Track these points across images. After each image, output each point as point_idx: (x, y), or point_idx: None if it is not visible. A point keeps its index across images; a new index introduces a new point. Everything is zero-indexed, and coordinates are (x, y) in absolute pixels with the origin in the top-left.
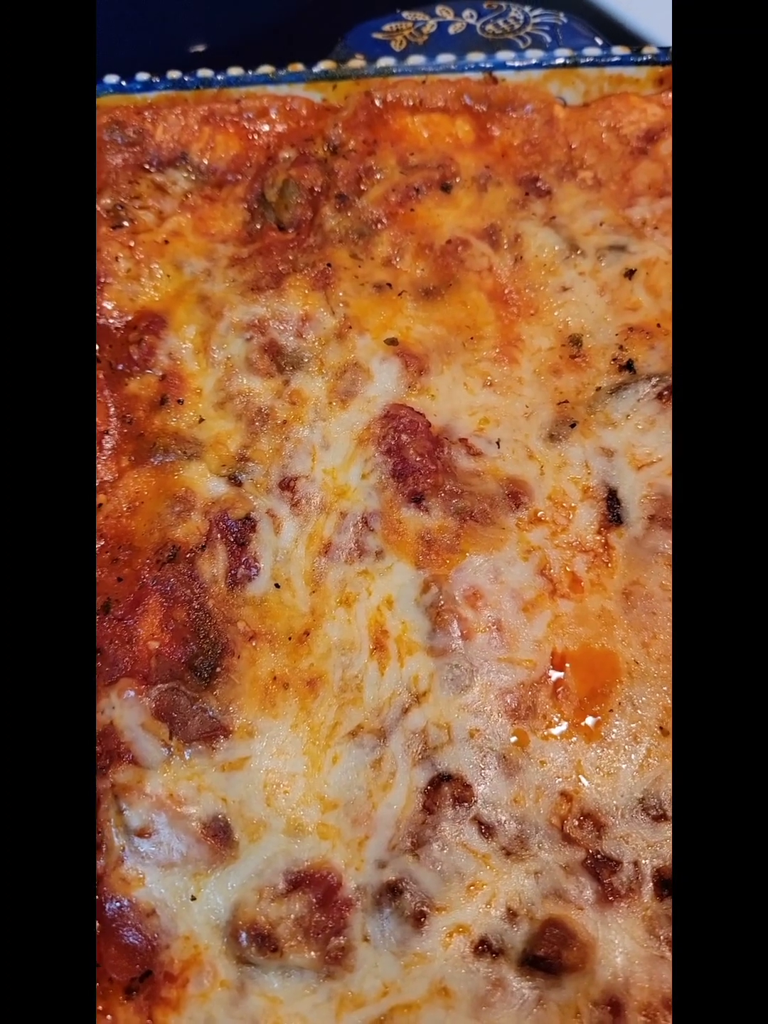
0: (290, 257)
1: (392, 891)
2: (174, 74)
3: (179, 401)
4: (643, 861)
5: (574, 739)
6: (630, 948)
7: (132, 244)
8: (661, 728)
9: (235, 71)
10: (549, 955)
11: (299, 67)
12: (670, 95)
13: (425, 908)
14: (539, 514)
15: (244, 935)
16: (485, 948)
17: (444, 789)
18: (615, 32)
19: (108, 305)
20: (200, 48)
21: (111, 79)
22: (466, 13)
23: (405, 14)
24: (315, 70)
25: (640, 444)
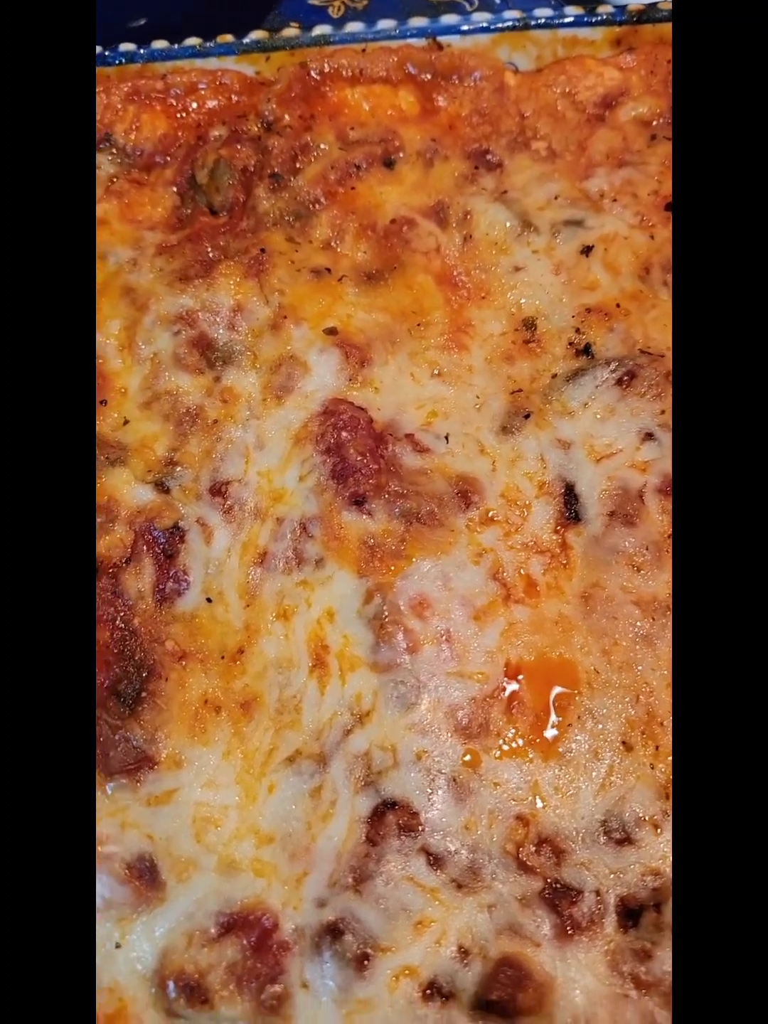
0: (222, 243)
1: (332, 932)
2: None
3: (102, 402)
4: (606, 890)
5: (530, 757)
6: (591, 986)
7: None
8: (624, 743)
9: (160, 44)
10: (503, 998)
11: (229, 38)
12: (628, 57)
13: (369, 949)
14: (491, 514)
15: (172, 985)
16: (434, 991)
17: (389, 817)
18: None
19: None
20: (140, 22)
21: None
22: None
23: None
24: (246, 41)
25: (599, 435)
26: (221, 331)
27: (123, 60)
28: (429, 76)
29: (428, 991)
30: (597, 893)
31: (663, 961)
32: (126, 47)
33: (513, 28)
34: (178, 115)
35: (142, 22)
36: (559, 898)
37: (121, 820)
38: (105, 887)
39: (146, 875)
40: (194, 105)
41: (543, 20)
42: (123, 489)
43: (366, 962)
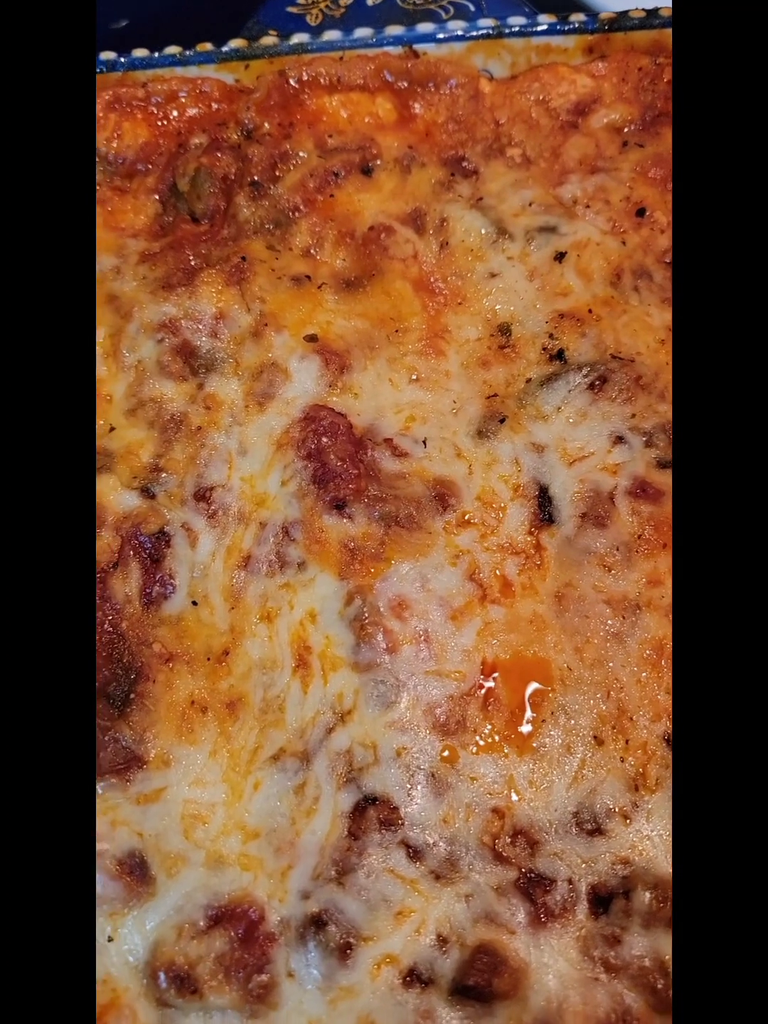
0: (203, 251)
1: (317, 923)
2: None
3: None
4: (577, 878)
5: (506, 752)
6: (564, 971)
7: None
8: (595, 737)
9: (140, 52)
10: (480, 983)
11: (208, 47)
12: (601, 65)
13: (351, 939)
14: (467, 516)
15: (163, 976)
16: (414, 978)
17: (370, 812)
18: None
19: None
20: (122, 23)
21: None
22: None
23: None
24: (225, 49)
25: (571, 438)
26: (204, 339)
27: (104, 68)
28: (406, 84)
29: (408, 978)
30: (569, 882)
31: (632, 946)
32: (106, 55)
33: (488, 36)
34: (159, 123)
35: (124, 23)
36: (533, 887)
37: (111, 818)
38: (97, 883)
39: (136, 871)
40: (175, 113)
41: (517, 28)
42: (110, 495)
43: (349, 951)
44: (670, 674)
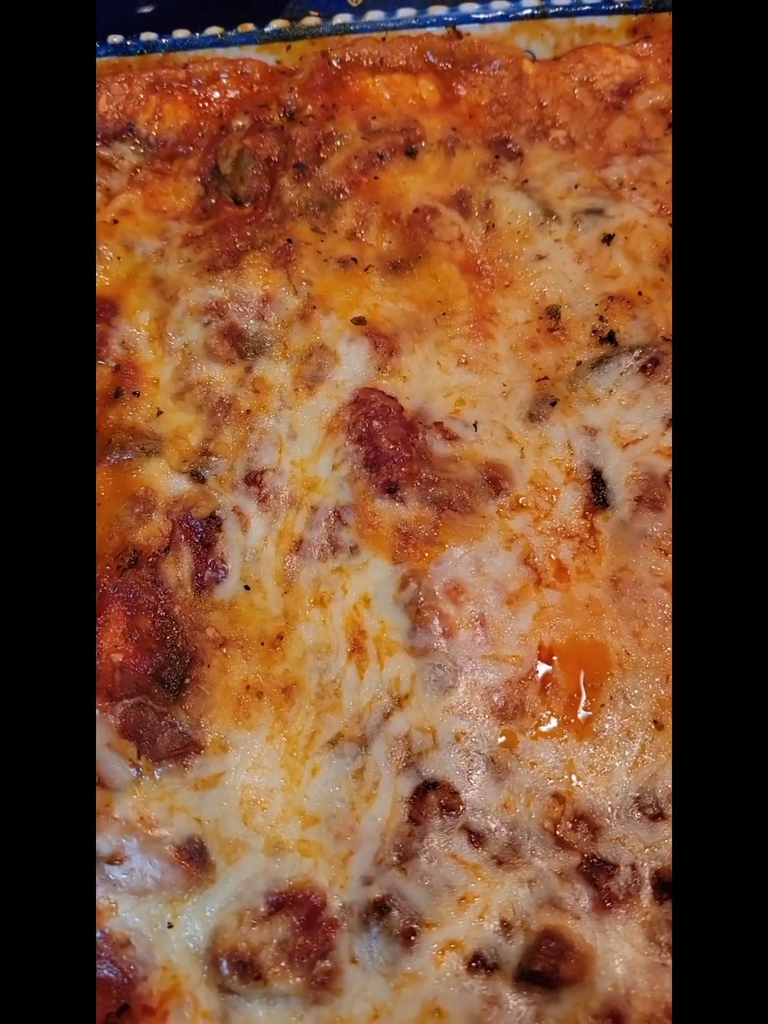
0: (248, 233)
1: (379, 909)
2: (115, 39)
3: (135, 393)
4: (641, 863)
5: (565, 737)
6: (630, 956)
7: None
8: (655, 722)
9: (181, 34)
10: (546, 969)
11: (250, 27)
12: (645, 45)
13: (415, 925)
14: (521, 500)
15: (225, 963)
16: (479, 964)
17: (430, 797)
18: None
19: None
20: (147, 9)
21: None
22: None
23: None
24: (267, 30)
25: (624, 421)
26: (251, 321)
27: (144, 50)
28: (449, 65)
29: (473, 964)
30: (632, 867)
31: None
32: (147, 36)
33: (531, 16)
34: (200, 105)
35: (149, 9)
36: (596, 872)
37: (169, 804)
38: (156, 869)
39: (196, 857)
40: (216, 95)
41: (561, 8)
42: (159, 479)
43: (412, 937)
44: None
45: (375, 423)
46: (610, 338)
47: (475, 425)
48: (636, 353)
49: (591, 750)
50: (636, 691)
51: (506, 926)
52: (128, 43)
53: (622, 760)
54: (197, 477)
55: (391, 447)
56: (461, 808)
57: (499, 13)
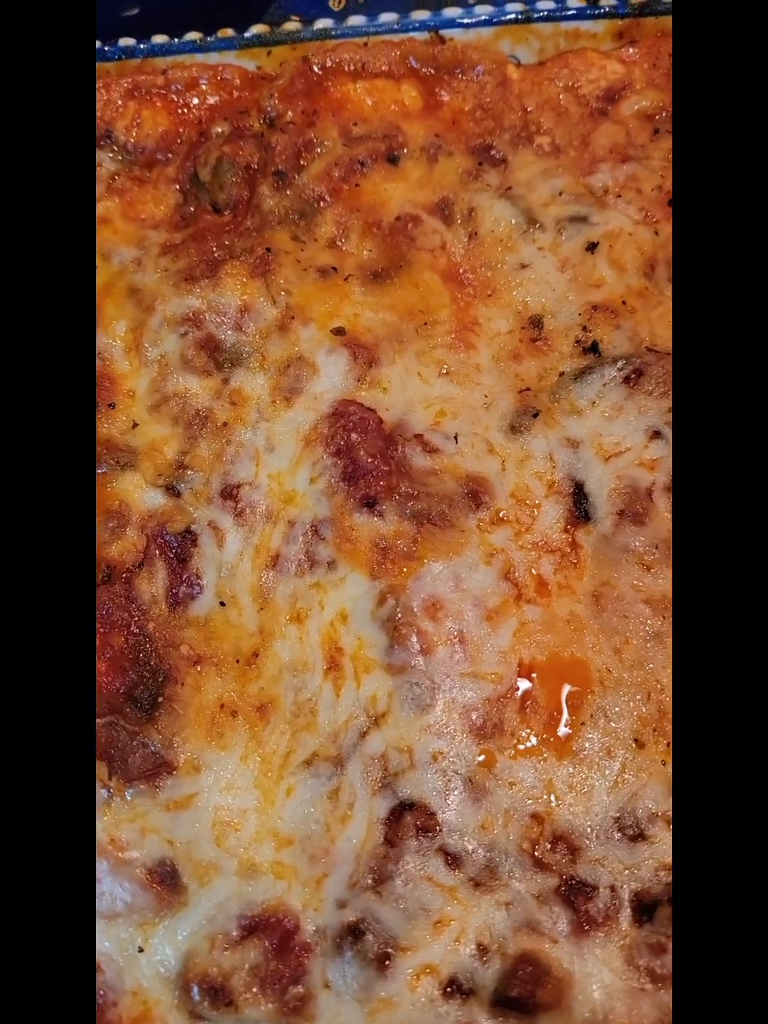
0: (226, 242)
1: (353, 932)
2: None
3: (110, 405)
4: (620, 885)
5: (544, 756)
6: (608, 981)
7: None
8: (636, 740)
9: (160, 39)
10: (523, 994)
11: (229, 32)
12: (631, 50)
13: (389, 949)
14: (501, 514)
15: (196, 988)
16: (455, 989)
17: (407, 818)
18: None
19: None
20: (128, 13)
21: None
22: None
23: None
24: (247, 35)
25: (607, 433)
26: (228, 332)
27: (122, 55)
28: (432, 70)
29: (449, 989)
30: (612, 889)
31: None
32: (126, 42)
33: (515, 21)
34: (179, 111)
35: (135, 11)
36: (575, 894)
37: (141, 826)
38: (127, 892)
39: (167, 880)
40: (195, 101)
41: (545, 13)
42: (134, 493)
43: (387, 961)
44: None
45: (353, 436)
46: (593, 348)
47: (456, 437)
48: (620, 364)
49: (571, 769)
50: (617, 709)
51: (482, 950)
52: (106, 48)
53: (602, 779)
54: (172, 491)
55: (370, 460)
56: (438, 829)
57: (483, 18)
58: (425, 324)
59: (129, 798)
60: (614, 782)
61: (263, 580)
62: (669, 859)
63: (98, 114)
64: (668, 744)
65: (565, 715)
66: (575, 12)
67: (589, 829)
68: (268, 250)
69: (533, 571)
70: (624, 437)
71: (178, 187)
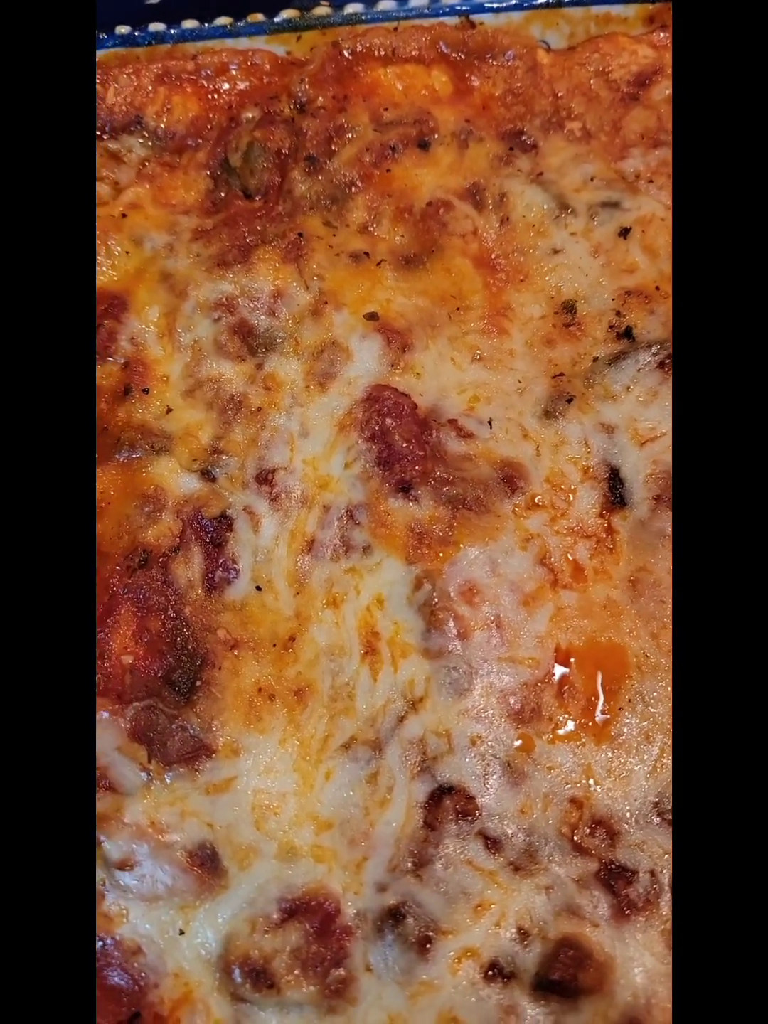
0: (258, 227)
1: (394, 916)
2: (123, 29)
3: (144, 390)
4: (660, 870)
5: (582, 741)
6: (650, 965)
7: None
8: None
9: (190, 24)
10: (564, 978)
11: (259, 17)
12: (662, 35)
13: (430, 932)
14: (536, 499)
15: (237, 970)
16: (496, 973)
17: (446, 802)
18: None
19: None
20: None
21: None
22: None
23: None
24: (277, 20)
25: (642, 418)
26: (261, 317)
27: (152, 40)
28: (462, 55)
29: (490, 972)
30: (652, 873)
31: None
32: (156, 27)
33: (546, 5)
34: (209, 97)
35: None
36: (615, 879)
37: (181, 809)
38: (167, 875)
39: (207, 863)
40: (225, 86)
41: None
42: (169, 478)
43: (428, 945)
44: None
45: (388, 421)
46: (627, 333)
47: (490, 422)
48: (654, 349)
49: (609, 754)
50: (655, 694)
51: (523, 934)
52: (136, 34)
53: (641, 764)
54: (207, 476)
55: (404, 445)
56: (477, 813)
57: (513, 2)
58: (457, 309)
59: (169, 781)
60: (653, 767)
61: (299, 565)
62: None
63: (128, 100)
64: None
65: (602, 700)
66: None
67: (628, 814)
68: (300, 235)
69: (569, 556)
70: (659, 422)
71: (209, 173)
